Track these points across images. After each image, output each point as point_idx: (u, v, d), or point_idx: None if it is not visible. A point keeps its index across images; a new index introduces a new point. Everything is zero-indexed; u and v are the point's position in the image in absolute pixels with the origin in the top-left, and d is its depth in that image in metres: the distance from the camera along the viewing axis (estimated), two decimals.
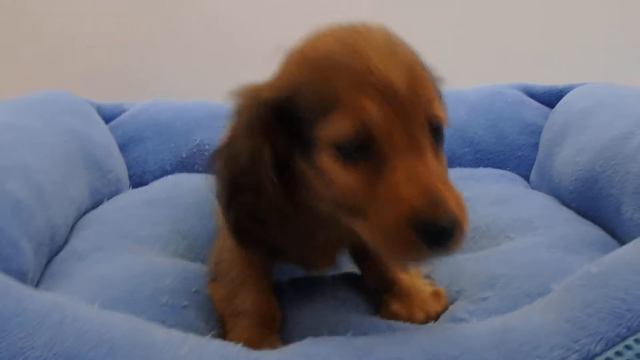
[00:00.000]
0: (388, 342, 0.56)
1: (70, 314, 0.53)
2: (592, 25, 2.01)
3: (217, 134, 1.39)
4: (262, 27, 2.00)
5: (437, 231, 0.55)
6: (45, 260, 0.93)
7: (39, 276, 0.89)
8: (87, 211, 1.14)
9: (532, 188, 1.37)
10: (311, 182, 0.66)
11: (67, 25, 2.01)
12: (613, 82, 1.36)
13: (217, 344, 0.56)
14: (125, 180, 1.37)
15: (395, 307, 0.80)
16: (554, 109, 1.45)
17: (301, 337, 0.61)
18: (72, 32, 2.02)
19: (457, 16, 2.03)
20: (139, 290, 0.79)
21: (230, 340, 0.71)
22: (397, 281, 0.84)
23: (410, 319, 0.78)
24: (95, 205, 1.18)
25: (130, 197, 1.21)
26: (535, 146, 1.45)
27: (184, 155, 1.46)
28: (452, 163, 1.47)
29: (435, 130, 0.63)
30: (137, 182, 1.43)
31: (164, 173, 1.45)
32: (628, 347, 0.51)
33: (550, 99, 1.53)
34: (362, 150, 0.60)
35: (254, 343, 0.67)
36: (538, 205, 1.13)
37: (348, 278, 0.90)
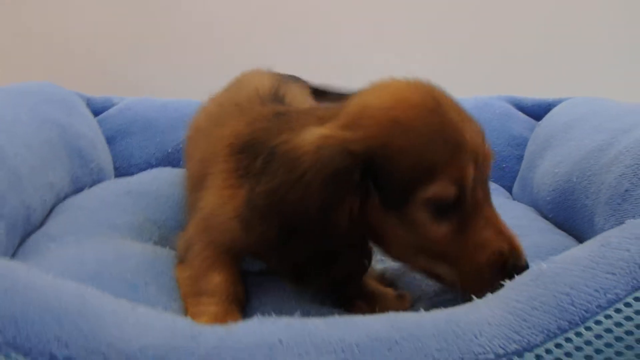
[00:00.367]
0: (333, 324, 0.56)
1: (22, 281, 0.53)
2: (586, 38, 2.02)
3: None
4: (252, 29, 2.02)
5: (519, 270, 0.67)
6: (19, 240, 0.95)
7: (10, 255, 0.90)
8: (67, 197, 1.16)
9: (514, 200, 1.38)
10: (389, 231, 0.73)
11: (63, 23, 2.03)
12: (603, 96, 1.36)
13: (166, 316, 0.56)
14: (110, 172, 1.39)
15: (360, 304, 0.80)
16: (539, 122, 1.46)
17: None
18: (69, 30, 2.04)
19: (452, 27, 2.04)
20: (105, 269, 0.80)
21: (192, 316, 0.73)
22: (365, 283, 0.84)
23: None
24: (76, 192, 1.20)
25: (111, 187, 1.23)
26: (521, 158, 1.46)
27: (169, 151, 1.49)
28: None
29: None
30: (123, 174, 1.45)
31: (149, 167, 1.47)
32: (568, 340, 0.51)
33: (538, 112, 1.54)
34: (453, 205, 0.69)
35: (218, 318, 0.70)
36: (514, 216, 1.13)
37: None
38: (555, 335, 0.52)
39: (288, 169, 0.70)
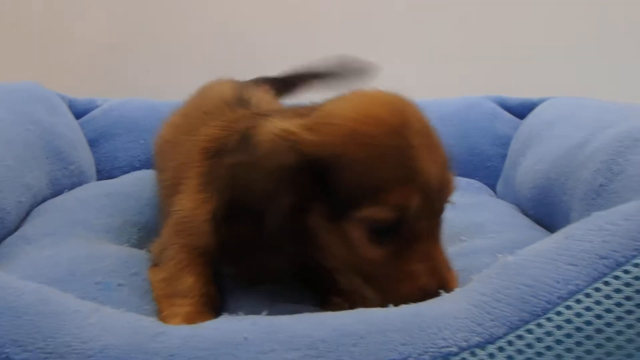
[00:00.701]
0: (300, 321, 0.56)
1: None
2: (572, 37, 2.02)
3: None
4: (239, 30, 2.01)
5: None
6: None
7: None
8: (45, 200, 1.15)
9: (498, 198, 1.38)
10: (327, 240, 0.73)
11: (47, 24, 2.03)
12: (588, 96, 1.36)
13: (130, 316, 0.56)
14: (91, 174, 1.38)
15: (336, 300, 0.80)
16: (522, 121, 1.47)
17: None
18: (52, 30, 2.03)
19: (441, 28, 2.04)
20: (77, 270, 0.79)
21: (164, 319, 0.72)
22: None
23: None
24: (55, 194, 1.19)
25: (91, 189, 1.22)
26: (505, 157, 1.46)
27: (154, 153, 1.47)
28: None
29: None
30: (106, 177, 1.44)
31: (133, 169, 1.46)
32: (529, 331, 0.52)
33: (523, 111, 1.53)
34: (391, 230, 0.68)
35: (189, 319, 0.70)
36: (495, 212, 1.14)
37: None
38: (517, 327, 0.52)
39: (248, 151, 0.73)
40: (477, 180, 1.46)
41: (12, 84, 1.31)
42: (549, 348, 0.50)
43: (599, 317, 0.51)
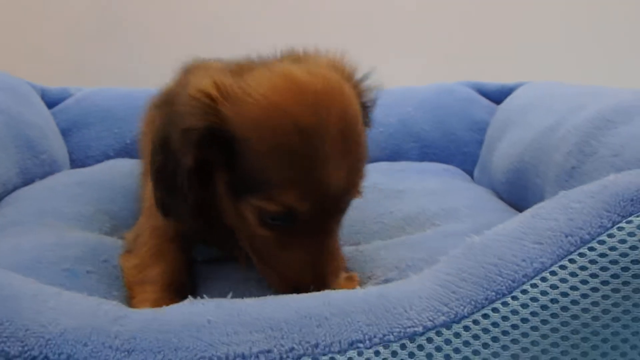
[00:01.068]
0: (265, 304, 0.56)
1: None
2: (549, 23, 2.03)
3: None
4: (216, 17, 2.00)
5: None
6: None
7: None
8: (16, 189, 1.13)
9: (475, 183, 1.38)
10: (227, 209, 0.74)
11: (21, 12, 2.00)
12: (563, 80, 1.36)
13: (91, 300, 0.55)
14: (64, 163, 1.36)
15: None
16: (499, 106, 1.47)
17: None
18: (25, 19, 2.01)
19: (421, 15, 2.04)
20: (44, 257, 0.78)
21: (135, 305, 0.72)
22: None
23: None
24: (26, 184, 1.17)
25: (62, 178, 1.21)
26: (482, 143, 1.46)
27: (127, 142, 1.47)
28: (398, 157, 1.48)
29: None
30: (80, 166, 1.42)
31: (106, 158, 1.45)
32: (495, 310, 0.51)
33: (500, 97, 1.53)
34: (280, 220, 0.69)
35: (158, 305, 0.67)
36: (469, 197, 1.14)
37: None
38: (483, 306, 0.52)
39: (175, 105, 0.73)
40: (454, 166, 1.46)
41: None
42: (515, 326, 0.50)
43: (564, 294, 0.50)
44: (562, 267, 0.51)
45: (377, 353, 0.51)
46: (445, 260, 0.60)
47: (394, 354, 0.51)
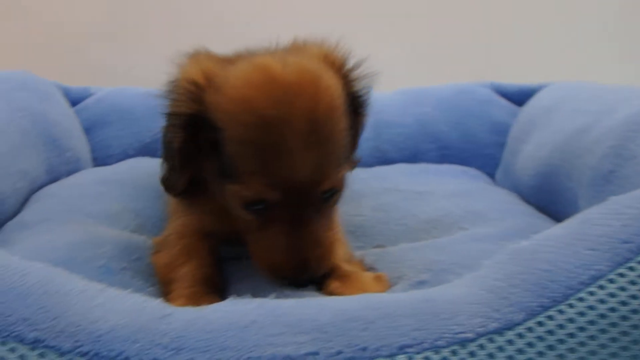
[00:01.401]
0: (306, 305, 0.55)
1: None
2: (570, 23, 2.01)
3: None
4: (236, 19, 1.99)
5: (299, 283, 0.74)
6: None
7: None
8: (43, 186, 1.14)
9: (497, 186, 1.36)
10: (215, 191, 0.78)
11: (43, 12, 2.00)
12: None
13: (136, 297, 0.55)
14: (87, 162, 1.36)
15: (335, 285, 0.79)
16: (522, 108, 1.45)
17: None
18: (47, 18, 2.01)
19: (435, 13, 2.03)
20: (78, 254, 0.78)
21: (170, 300, 0.73)
22: (339, 266, 0.83)
23: None
24: (52, 181, 1.18)
25: (87, 175, 1.21)
26: (503, 145, 1.44)
27: (147, 141, 1.46)
28: (416, 158, 1.47)
29: (328, 192, 0.75)
30: (101, 165, 1.42)
31: (126, 157, 1.44)
32: (550, 318, 0.50)
33: (521, 98, 1.51)
34: (259, 203, 0.72)
35: (193, 300, 0.71)
36: (495, 200, 1.13)
37: None
38: (537, 313, 0.51)
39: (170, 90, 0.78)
40: (473, 168, 1.45)
41: (3, 72, 1.29)
42: (571, 335, 0.49)
43: (624, 303, 0.49)
44: (621, 275, 0.50)
45: (427, 359, 0.50)
46: (491, 265, 0.58)
47: None
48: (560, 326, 0.50)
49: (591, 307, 0.50)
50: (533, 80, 1.52)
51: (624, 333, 0.48)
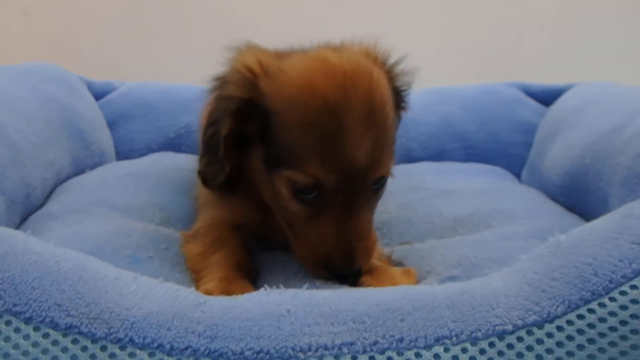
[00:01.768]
0: (341, 296, 0.54)
1: (20, 246, 0.52)
2: (597, 25, 1.99)
3: None
4: (258, 13, 1.99)
5: (342, 276, 0.74)
6: (19, 219, 0.93)
7: None
8: (68, 178, 1.14)
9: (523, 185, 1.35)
10: (262, 184, 0.80)
11: (66, 6, 2.01)
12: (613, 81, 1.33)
13: (168, 285, 0.55)
14: (111, 155, 1.37)
15: (364, 278, 0.79)
16: (549, 108, 1.44)
17: None
18: (71, 13, 2.02)
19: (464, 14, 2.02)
20: (106, 244, 0.78)
21: (202, 284, 0.73)
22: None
23: None
24: (77, 174, 1.18)
25: (112, 169, 1.21)
26: (529, 145, 1.43)
27: (171, 136, 1.47)
28: (441, 157, 1.46)
29: (379, 180, 0.77)
30: (124, 159, 1.42)
31: (150, 152, 1.45)
32: (590, 311, 0.49)
33: (548, 98, 1.50)
34: (312, 191, 0.73)
35: (226, 282, 0.72)
36: (523, 198, 1.12)
37: None
38: (577, 306, 0.50)
39: (223, 79, 0.80)
40: (500, 167, 1.43)
41: (30, 64, 1.30)
42: (613, 329, 0.48)
43: None
44: None
45: (464, 350, 0.49)
46: (530, 258, 0.58)
47: (482, 351, 0.49)
48: (601, 319, 0.49)
49: (634, 301, 0.49)
50: (558, 81, 1.51)
51: None
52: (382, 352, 0.49)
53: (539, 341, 0.49)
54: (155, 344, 0.48)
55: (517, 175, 1.42)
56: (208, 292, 0.67)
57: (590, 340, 0.48)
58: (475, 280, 0.58)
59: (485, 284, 0.56)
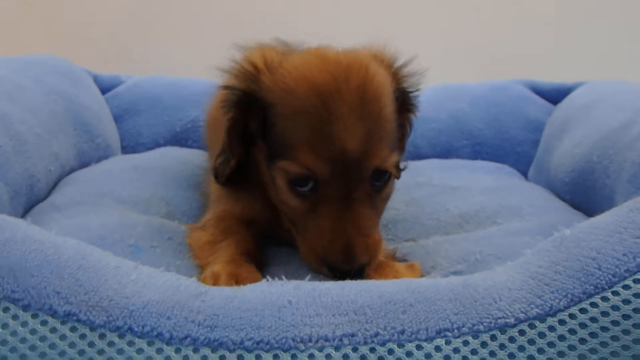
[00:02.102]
0: (343, 287, 0.54)
1: (20, 234, 0.52)
2: (602, 24, 1.98)
3: None
4: (267, 7, 1.99)
5: (341, 273, 0.72)
6: (23, 211, 0.92)
7: None
8: (72, 171, 1.14)
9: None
10: (263, 177, 0.81)
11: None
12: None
13: (170, 275, 0.54)
14: (117, 149, 1.36)
15: (369, 274, 0.78)
16: (557, 106, 1.43)
17: None
18: (79, 6, 2.02)
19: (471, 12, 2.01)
20: (110, 234, 0.78)
21: (209, 267, 0.74)
22: None
23: None
24: (82, 166, 1.18)
25: (118, 162, 1.21)
26: (537, 143, 1.42)
27: (177, 130, 1.46)
28: (449, 154, 1.46)
29: (379, 175, 0.76)
30: (130, 153, 1.42)
31: (156, 146, 1.44)
32: (593, 305, 0.49)
33: (556, 96, 1.49)
34: (307, 182, 0.74)
35: (234, 265, 0.72)
36: (529, 195, 1.11)
37: None
38: (580, 300, 0.49)
39: (234, 68, 0.82)
40: (508, 165, 1.43)
41: (35, 56, 1.30)
42: (615, 323, 0.48)
43: None
44: None
45: (465, 343, 0.49)
46: (534, 252, 0.57)
47: (484, 344, 0.49)
48: (604, 313, 0.48)
49: (636, 295, 0.48)
50: (564, 80, 1.50)
51: None
52: (383, 344, 0.49)
53: (541, 334, 0.48)
54: (155, 333, 0.48)
55: (524, 173, 1.41)
56: (215, 275, 0.69)
57: (593, 334, 0.48)
58: (478, 274, 0.58)
59: (488, 277, 0.55)
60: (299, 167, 0.73)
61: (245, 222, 0.85)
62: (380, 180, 0.77)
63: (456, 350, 0.48)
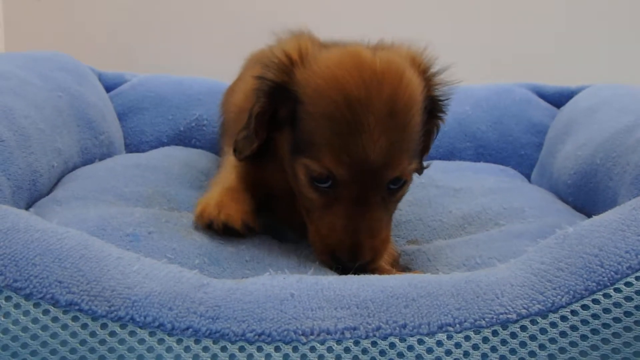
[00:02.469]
0: (346, 281, 0.54)
1: (23, 223, 0.52)
2: (607, 26, 1.98)
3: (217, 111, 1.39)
4: (272, 7, 1.99)
5: (344, 267, 0.74)
6: (25, 205, 0.92)
7: None
8: (76, 167, 1.13)
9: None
10: (287, 167, 0.81)
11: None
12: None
13: (172, 267, 0.54)
14: (120, 146, 1.37)
15: (371, 267, 0.78)
16: (561, 109, 1.43)
17: None
18: (83, 5, 2.02)
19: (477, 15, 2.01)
20: (108, 225, 0.78)
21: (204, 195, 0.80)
22: (380, 266, 0.82)
23: None
24: (85, 163, 1.17)
25: (121, 160, 1.21)
26: (540, 146, 1.43)
27: (181, 129, 1.47)
28: (452, 156, 1.46)
29: (396, 181, 0.77)
30: (134, 151, 1.43)
31: (160, 145, 1.45)
32: (595, 301, 0.49)
33: (560, 99, 1.50)
34: (327, 180, 0.75)
35: (226, 194, 0.80)
36: (532, 197, 1.11)
37: None
38: (582, 297, 0.49)
39: (270, 58, 0.82)
40: (511, 168, 1.43)
41: (40, 52, 1.30)
42: (617, 320, 0.48)
43: None
44: None
45: (467, 338, 0.49)
46: (537, 249, 0.57)
47: (485, 340, 0.49)
48: (606, 310, 0.48)
49: (638, 292, 0.48)
50: (569, 82, 1.50)
51: None
52: (385, 338, 0.49)
53: (543, 331, 0.48)
54: (156, 323, 0.48)
55: (527, 176, 1.41)
56: (203, 203, 0.79)
57: (594, 331, 0.48)
58: (481, 270, 0.58)
59: (490, 273, 0.55)
60: (320, 167, 0.74)
61: (250, 184, 0.88)
62: (397, 185, 0.78)
63: (458, 345, 0.48)
